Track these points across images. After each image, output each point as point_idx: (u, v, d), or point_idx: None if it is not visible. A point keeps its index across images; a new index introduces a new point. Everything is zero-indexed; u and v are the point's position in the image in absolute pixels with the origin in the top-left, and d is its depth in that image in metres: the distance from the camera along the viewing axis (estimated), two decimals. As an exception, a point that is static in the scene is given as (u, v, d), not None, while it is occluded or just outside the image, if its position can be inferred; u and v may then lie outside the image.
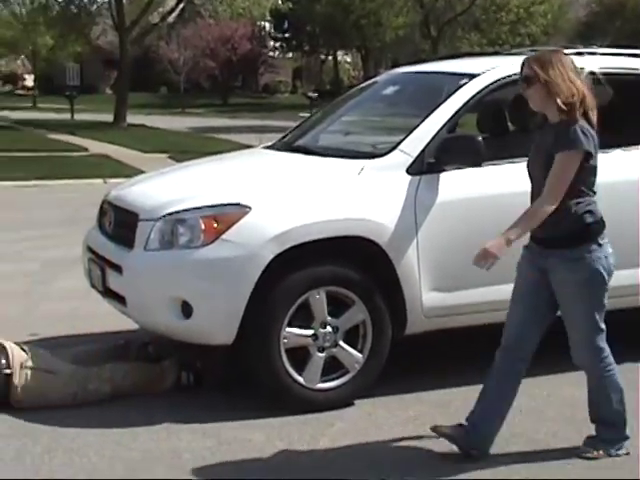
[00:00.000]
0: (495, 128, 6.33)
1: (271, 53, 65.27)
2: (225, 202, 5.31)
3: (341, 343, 5.38)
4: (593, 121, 4.50)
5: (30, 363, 5.38)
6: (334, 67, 64.82)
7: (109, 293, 5.72)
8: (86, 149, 24.46)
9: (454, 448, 4.70)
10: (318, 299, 5.29)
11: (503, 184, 5.63)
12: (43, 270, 9.49)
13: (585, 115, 4.46)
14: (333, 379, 5.41)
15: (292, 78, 68.89)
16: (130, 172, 15.91)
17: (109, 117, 35.79)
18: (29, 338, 6.49)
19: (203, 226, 5.22)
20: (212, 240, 5.19)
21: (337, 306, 5.36)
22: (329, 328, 5.34)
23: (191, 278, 5.21)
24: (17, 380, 5.31)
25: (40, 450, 4.84)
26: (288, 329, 5.25)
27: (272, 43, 65.79)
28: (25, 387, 5.33)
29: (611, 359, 4.66)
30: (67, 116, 38.38)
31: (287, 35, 63.99)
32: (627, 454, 4.68)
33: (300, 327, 5.29)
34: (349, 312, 5.39)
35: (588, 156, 4.43)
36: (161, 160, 20.15)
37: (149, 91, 57.12)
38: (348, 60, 69.95)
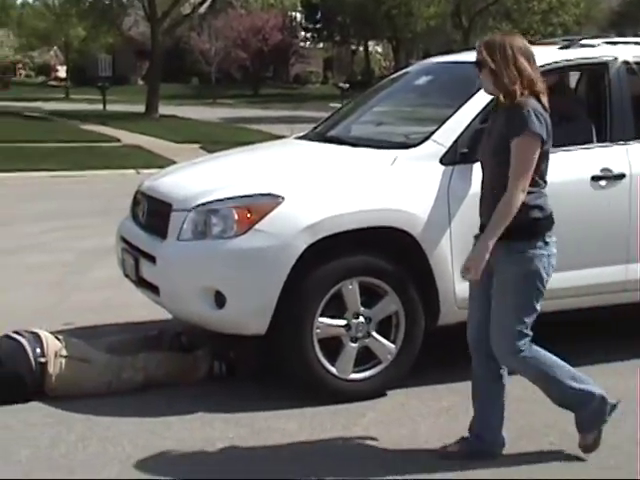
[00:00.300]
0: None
1: (302, 43, 65.19)
2: (258, 192, 5.30)
3: (374, 334, 5.38)
4: (546, 106, 4.34)
5: (64, 352, 5.41)
6: (365, 57, 64.66)
7: (142, 283, 5.75)
8: (118, 140, 24.56)
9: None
10: (351, 289, 5.29)
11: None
12: (77, 260, 9.56)
13: (538, 100, 4.31)
14: (365, 370, 5.40)
15: (323, 69, 68.84)
16: (162, 162, 15.97)
17: (141, 108, 35.95)
18: (63, 327, 6.54)
19: (236, 216, 5.22)
20: (245, 230, 5.20)
21: (370, 296, 5.36)
22: (362, 318, 5.34)
23: (224, 268, 5.22)
24: (52, 369, 5.35)
25: (74, 438, 4.87)
26: (321, 319, 5.25)
27: (303, 33, 65.72)
28: (59, 376, 5.37)
29: (533, 352, 4.42)
30: (99, 107, 38.57)
31: (318, 25, 63.92)
32: (617, 403, 4.55)
33: (333, 317, 5.29)
34: (382, 303, 5.38)
35: (541, 140, 4.28)
36: (193, 150, 20.22)
37: (180, 82, 57.27)
38: (379, 50, 69.74)
